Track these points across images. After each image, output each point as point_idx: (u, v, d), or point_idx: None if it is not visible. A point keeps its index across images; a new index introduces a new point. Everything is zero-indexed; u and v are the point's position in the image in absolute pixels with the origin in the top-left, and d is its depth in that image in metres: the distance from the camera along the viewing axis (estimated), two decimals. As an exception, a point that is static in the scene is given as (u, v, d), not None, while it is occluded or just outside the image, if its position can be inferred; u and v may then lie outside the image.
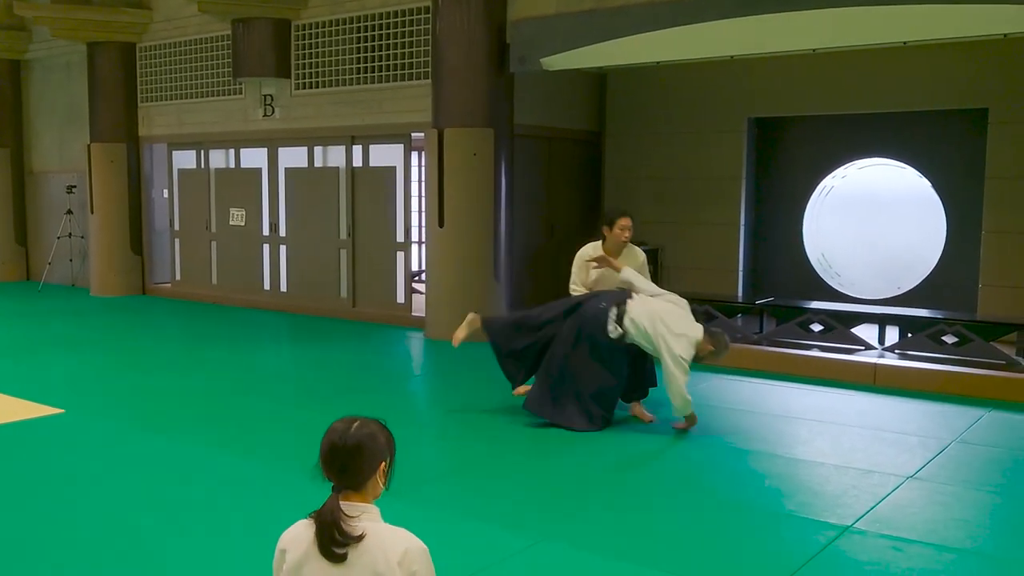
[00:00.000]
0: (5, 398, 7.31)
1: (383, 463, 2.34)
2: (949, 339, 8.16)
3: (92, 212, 13.87)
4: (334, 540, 2.24)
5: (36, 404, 7.07)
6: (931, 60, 9.34)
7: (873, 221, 10.36)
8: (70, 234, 14.73)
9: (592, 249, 6.80)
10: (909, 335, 8.49)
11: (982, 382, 7.51)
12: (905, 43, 8.05)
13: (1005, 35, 7.41)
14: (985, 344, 7.98)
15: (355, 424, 2.33)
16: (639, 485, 5.38)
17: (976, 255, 9.36)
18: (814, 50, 8.36)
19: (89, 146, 13.80)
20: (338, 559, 2.25)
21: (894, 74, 9.63)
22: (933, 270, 9.90)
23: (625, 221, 6.60)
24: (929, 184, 9.90)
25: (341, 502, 2.29)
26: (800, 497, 5.12)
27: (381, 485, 2.36)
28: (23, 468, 5.64)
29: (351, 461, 2.29)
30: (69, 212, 14.63)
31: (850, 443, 6.15)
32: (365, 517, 2.29)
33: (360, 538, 2.24)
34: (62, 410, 6.93)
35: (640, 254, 6.80)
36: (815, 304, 9.43)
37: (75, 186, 14.62)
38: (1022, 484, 5.40)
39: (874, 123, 10.14)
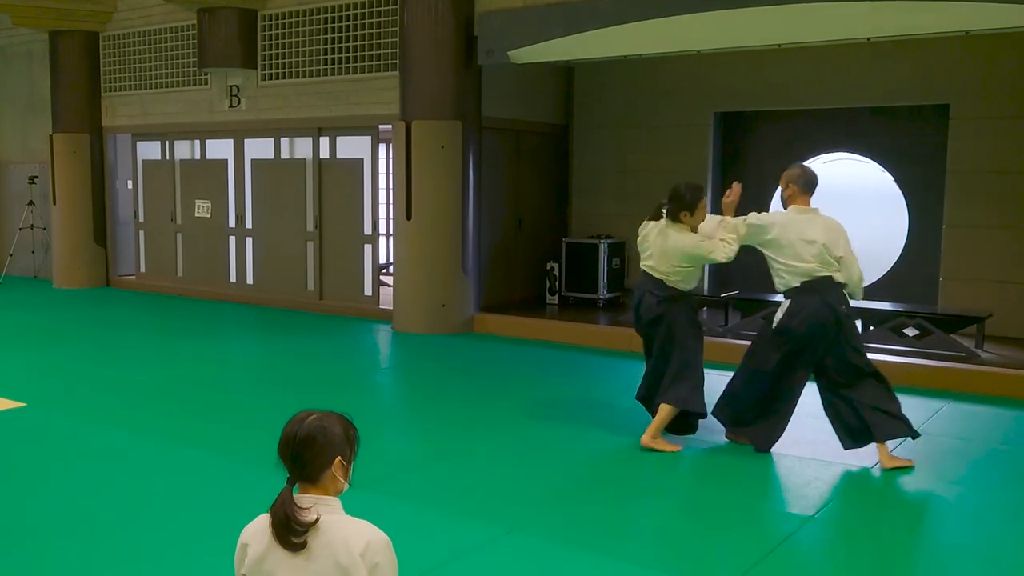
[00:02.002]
0: (-35, 392, 7.22)
1: (338, 458, 2.32)
2: (910, 332, 8.29)
3: (54, 203, 13.68)
4: (288, 529, 2.24)
5: (-3, 398, 7.00)
6: (894, 56, 9.46)
7: (836, 215, 10.42)
8: (32, 225, 14.53)
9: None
10: (871, 328, 8.60)
11: (942, 374, 7.64)
12: (869, 39, 8.14)
13: (967, 32, 7.52)
14: (945, 337, 8.11)
15: (312, 416, 2.32)
16: (606, 477, 5.41)
17: (937, 249, 9.50)
18: (780, 45, 8.44)
19: (51, 136, 13.61)
20: (296, 548, 2.25)
21: (858, 70, 9.73)
22: (895, 264, 10.03)
23: (705, 201, 5.91)
24: (892, 179, 10.03)
25: (297, 494, 2.29)
26: (763, 488, 5.18)
27: (340, 480, 2.33)
28: (-16, 463, 5.57)
29: (303, 452, 2.29)
30: (31, 203, 14.42)
31: (812, 435, 6.22)
32: (322, 508, 2.28)
33: (315, 523, 2.24)
34: (23, 403, 6.85)
35: None
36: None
37: (37, 177, 14.41)
38: (980, 474, 5.50)
39: (838, 118, 10.25)
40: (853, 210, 10.35)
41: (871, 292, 9.98)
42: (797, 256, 5.54)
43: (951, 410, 6.94)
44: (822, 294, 5.49)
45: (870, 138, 10.12)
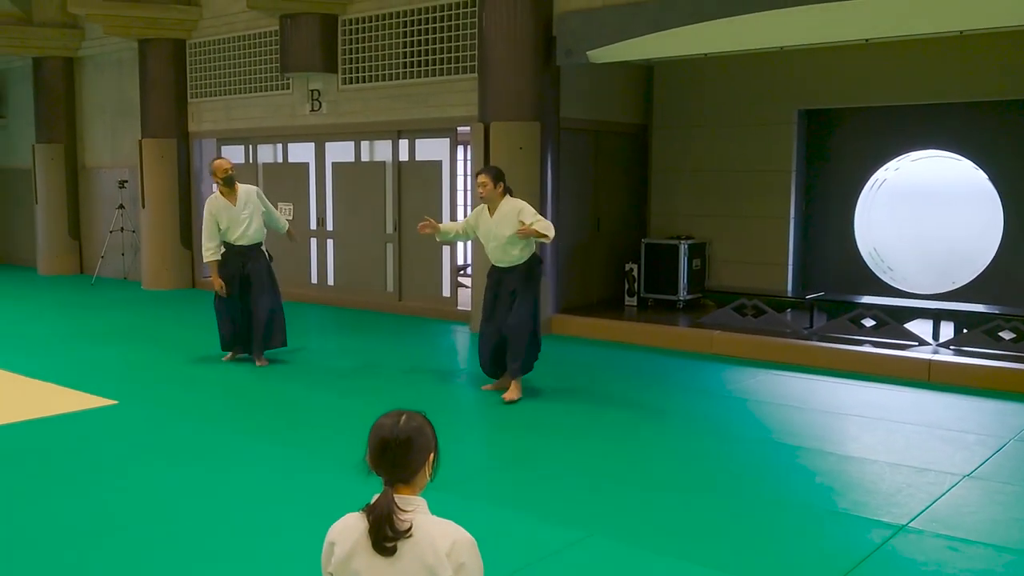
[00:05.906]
0: (60, 389, 7.44)
1: (431, 454, 2.37)
2: (1007, 335, 7.98)
3: (143, 207, 14.07)
4: (386, 536, 2.25)
5: (90, 395, 7.19)
6: (987, 49, 9.12)
7: (927, 214, 10.15)
8: (122, 228, 14.96)
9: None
10: (965, 331, 8.31)
11: (1041, 379, 7.32)
12: (961, 32, 7.87)
13: (1067, 23, 7.20)
14: (1044, 340, 7.79)
15: (403, 418, 2.35)
16: (690, 482, 5.32)
17: (1034, 249, 9.13)
18: (867, 40, 8.20)
19: (140, 141, 14.00)
20: (389, 552, 2.27)
21: (949, 64, 9.42)
22: (989, 265, 9.68)
23: (480, 178, 7.24)
24: (985, 176, 9.68)
25: (395, 495, 2.30)
26: (852, 495, 5.03)
27: (428, 476, 2.40)
28: (77, 459, 5.73)
29: (403, 455, 2.31)
30: (121, 207, 14.85)
31: (904, 440, 6.04)
32: (417, 510, 2.30)
33: (408, 532, 2.26)
34: (115, 401, 7.04)
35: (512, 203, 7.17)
36: (866, 299, 9.27)
37: (127, 181, 14.84)
38: (1084, 484, 5.25)
39: (928, 114, 9.93)
40: (944, 209, 10.05)
41: (963, 294, 9.65)
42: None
43: (1051, 417, 6.65)
44: None
45: (963, 135, 9.78)
